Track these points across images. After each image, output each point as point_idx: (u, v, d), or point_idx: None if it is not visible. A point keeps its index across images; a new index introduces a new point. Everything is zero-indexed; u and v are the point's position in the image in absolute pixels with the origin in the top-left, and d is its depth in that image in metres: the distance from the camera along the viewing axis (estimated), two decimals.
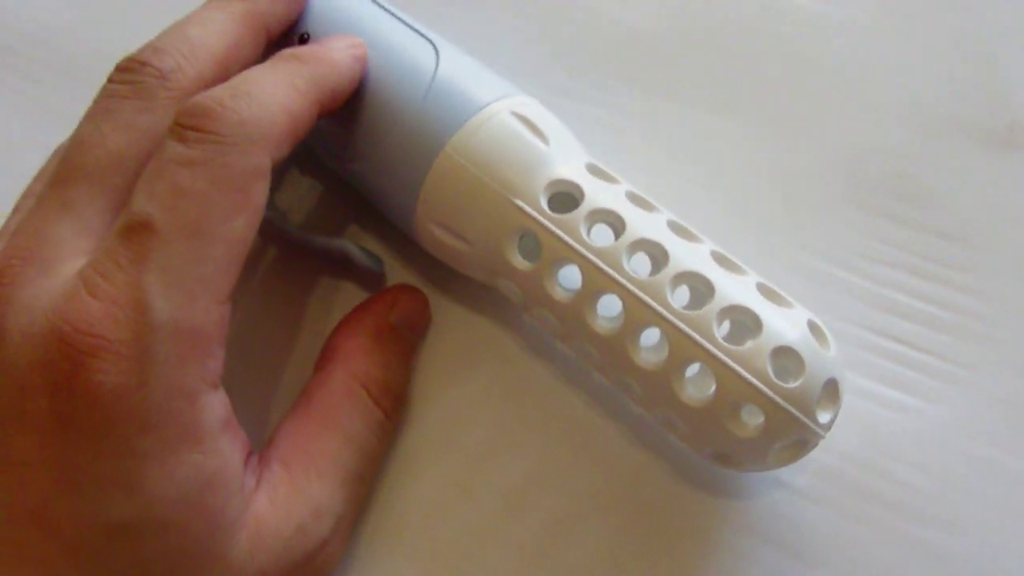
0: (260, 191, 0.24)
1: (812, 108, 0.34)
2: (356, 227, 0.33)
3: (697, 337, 0.24)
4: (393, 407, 0.28)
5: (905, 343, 0.30)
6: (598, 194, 0.26)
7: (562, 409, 0.29)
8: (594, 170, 0.28)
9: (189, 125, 0.22)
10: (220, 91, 0.23)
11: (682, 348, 0.24)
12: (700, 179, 0.33)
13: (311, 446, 0.26)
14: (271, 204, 0.32)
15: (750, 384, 0.23)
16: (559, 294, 0.26)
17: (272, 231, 0.32)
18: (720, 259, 0.26)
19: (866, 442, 0.29)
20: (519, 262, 0.27)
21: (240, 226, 0.23)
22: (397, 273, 0.32)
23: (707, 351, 0.24)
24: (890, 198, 0.32)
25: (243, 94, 0.23)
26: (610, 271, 0.25)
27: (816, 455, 0.28)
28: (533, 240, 0.26)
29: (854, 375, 0.29)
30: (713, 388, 0.24)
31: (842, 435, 0.28)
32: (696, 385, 0.25)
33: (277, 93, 0.24)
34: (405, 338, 0.29)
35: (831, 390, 0.24)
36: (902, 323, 0.30)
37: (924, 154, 0.33)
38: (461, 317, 0.31)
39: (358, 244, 0.30)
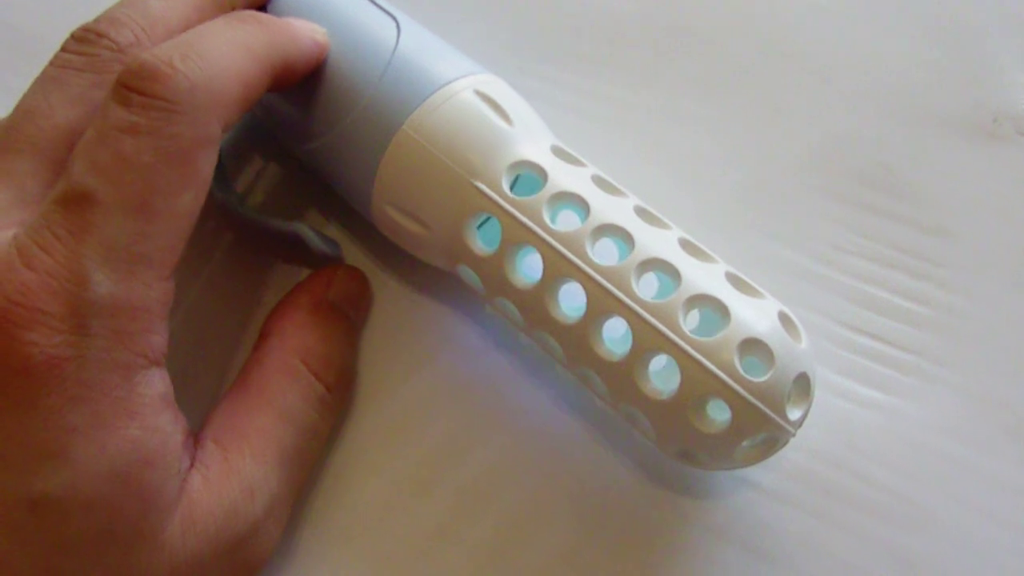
0: (208, 162, 0.22)
1: (788, 95, 0.33)
2: (315, 212, 0.32)
3: (661, 327, 0.23)
4: (335, 381, 0.27)
5: (880, 339, 0.29)
6: (562, 177, 0.25)
7: (524, 404, 0.28)
8: (560, 152, 0.26)
9: (135, 87, 0.21)
10: (169, 49, 0.22)
11: (646, 339, 0.23)
12: (670, 166, 0.32)
13: (245, 424, 0.24)
14: (227, 186, 0.30)
15: (716, 377, 0.22)
16: (519, 281, 0.25)
17: (227, 213, 0.30)
18: (688, 247, 0.25)
19: (838, 440, 0.27)
20: (478, 247, 0.25)
21: (186, 201, 0.22)
22: (356, 260, 0.30)
23: (672, 342, 0.23)
24: (868, 189, 0.31)
25: (195, 55, 0.22)
26: (572, 257, 0.24)
27: (786, 454, 0.27)
28: (494, 225, 0.25)
29: (826, 371, 0.28)
30: (678, 382, 0.23)
31: (813, 433, 0.27)
32: (661, 379, 0.24)
33: (232, 56, 0.23)
34: (345, 315, 0.28)
35: (802, 385, 0.23)
36: (877, 318, 0.29)
37: (904, 144, 0.32)
38: (421, 306, 0.30)
39: (314, 228, 0.29)
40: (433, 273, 0.29)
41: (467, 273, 0.27)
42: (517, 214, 0.25)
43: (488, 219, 0.29)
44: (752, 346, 0.23)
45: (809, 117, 0.32)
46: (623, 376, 0.24)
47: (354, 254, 0.31)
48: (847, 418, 0.28)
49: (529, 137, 0.26)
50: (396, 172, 0.26)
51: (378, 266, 0.30)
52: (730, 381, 0.22)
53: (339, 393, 0.27)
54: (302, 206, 0.32)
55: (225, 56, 0.22)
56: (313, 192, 0.32)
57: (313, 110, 0.27)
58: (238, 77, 0.23)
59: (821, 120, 0.32)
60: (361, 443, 0.28)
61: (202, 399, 0.27)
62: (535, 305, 0.25)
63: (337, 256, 0.30)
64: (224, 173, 0.31)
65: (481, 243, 0.26)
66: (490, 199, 0.25)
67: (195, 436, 0.24)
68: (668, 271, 0.24)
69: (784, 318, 0.24)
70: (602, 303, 0.23)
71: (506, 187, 0.25)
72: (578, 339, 0.24)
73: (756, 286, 0.24)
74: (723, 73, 0.33)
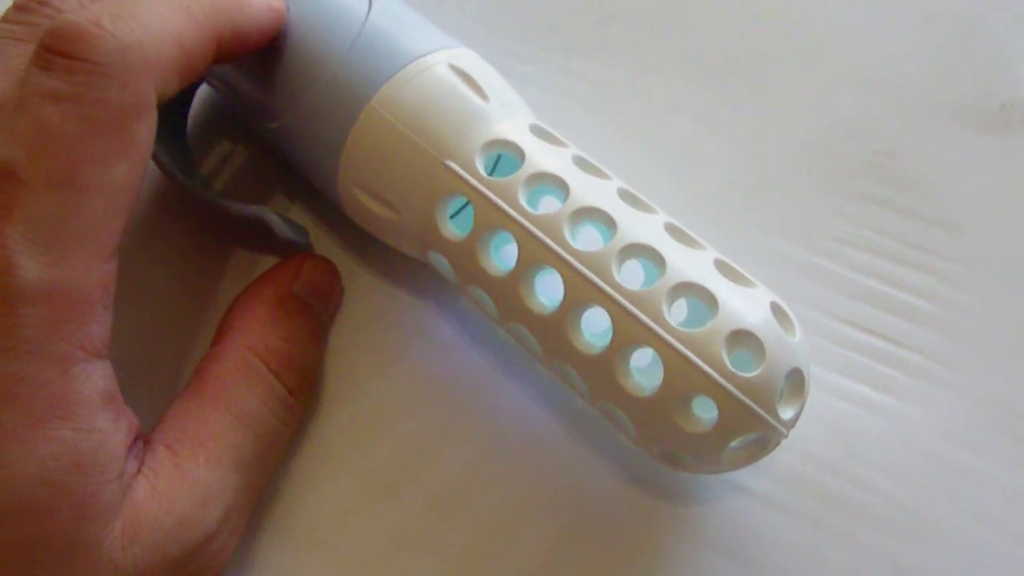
0: (143, 130, 0.21)
1: (787, 82, 0.31)
2: (283, 197, 0.30)
3: (644, 318, 0.21)
4: (299, 383, 0.25)
5: (880, 335, 0.27)
6: (541, 157, 0.23)
7: (500, 403, 0.26)
8: (539, 132, 0.25)
9: (58, 50, 0.19)
10: (99, 10, 0.20)
11: (627, 330, 0.21)
12: (663, 153, 0.30)
13: (199, 427, 0.23)
14: (191, 170, 0.29)
15: (702, 372, 0.20)
16: (492, 268, 0.23)
17: (189, 199, 0.29)
18: (675, 232, 0.23)
19: (833, 443, 0.26)
20: (449, 232, 0.24)
21: (121, 173, 0.20)
22: (325, 249, 0.29)
23: (654, 334, 0.21)
24: (869, 179, 0.29)
25: (127, 15, 0.20)
26: (549, 242, 0.22)
27: (778, 456, 0.25)
28: (469, 213, 0.23)
29: (822, 369, 0.26)
30: (661, 377, 0.21)
31: (807, 435, 0.25)
32: (644, 375, 0.22)
33: (169, 17, 0.21)
34: (312, 310, 0.26)
35: (795, 382, 0.21)
36: (877, 313, 0.27)
37: (907, 133, 0.30)
38: (393, 298, 0.28)
39: (280, 214, 0.27)
40: (406, 263, 0.28)
41: (439, 260, 0.25)
42: (490, 195, 0.23)
43: (463, 208, 0.27)
44: (742, 339, 0.21)
45: (808, 104, 0.31)
46: (602, 371, 0.22)
47: (323, 242, 0.29)
48: (844, 419, 0.26)
49: (506, 115, 0.24)
50: (363, 151, 0.24)
51: (348, 255, 0.29)
52: (717, 376, 0.20)
53: (302, 396, 0.25)
54: (269, 192, 0.30)
55: (161, 17, 0.21)
56: (281, 177, 0.30)
57: (275, 85, 0.25)
58: (175, 40, 0.21)
59: (821, 107, 0.30)
60: (326, 444, 0.26)
61: (158, 398, 0.25)
62: (509, 294, 0.23)
63: (305, 244, 0.28)
64: (188, 156, 0.30)
65: (453, 228, 0.24)
66: (462, 180, 0.23)
67: (145, 439, 0.22)
68: (652, 258, 0.22)
69: (777, 309, 0.22)
70: (580, 292, 0.22)
71: (480, 167, 0.23)
72: (555, 331, 0.22)
73: (747, 275, 0.23)
74: (720, 58, 0.32)
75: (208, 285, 0.28)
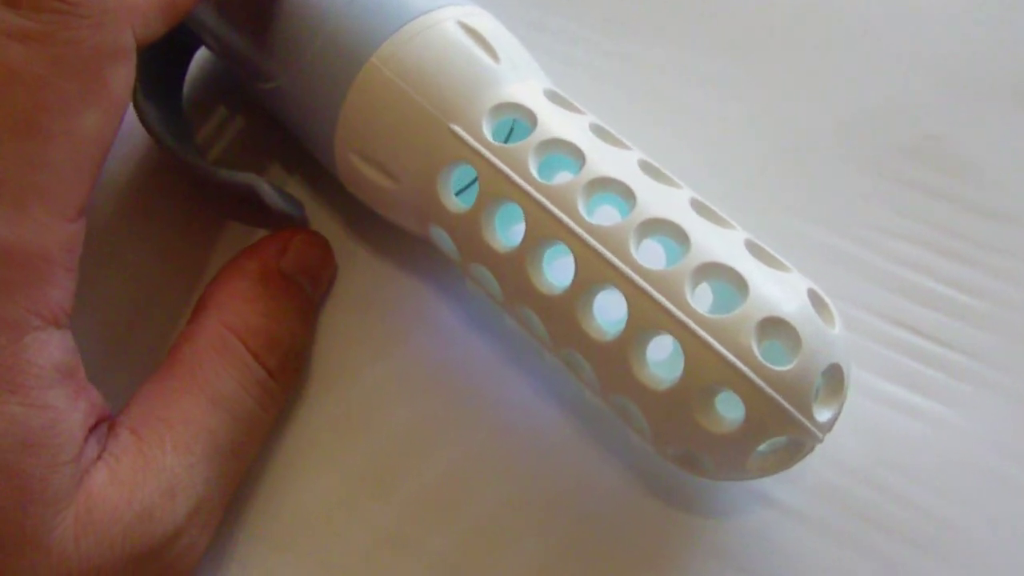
0: (120, 78, 0.19)
1: (825, 57, 0.29)
2: (280, 169, 0.28)
3: (663, 301, 0.19)
4: (280, 365, 0.23)
5: (923, 334, 0.25)
6: (554, 123, 0.21)
7: (503, 394, 0.24)
8: (554, 97, 0.22)
9: None
10: None
11: (644, 314, 0.19)
12: (689, 133, 0.28)
13: (169, 411, 0.21)
14: (185, 136, 0.27)
15: (728, 364, 0.18)
16: (498, 243, 0.21)
17: (180, 166, 0.27)
18: (702, 209, 0.21)
19: (872, 453, 0.23)
20: (452, 203, 0.22)
21: (90, 123, 0.19)
22: (322, 224, 0.27)
23: (675, 319, 0.19)
24: (914, 164, 0.27)
25: None
26: (560, 215, 0.20)
27: (809, 464, 0.23)
28: (475, 188, 0.21)
29: (859, 370, 0.24)
30: (681, 368, 0.19)
31: (843, 442, 0.23)
32: (662, 365, 0.20)
33: None
34: (299, 288, 0.24)
35: (834, 379, 0.19)
36: (921, 310, 0.25)
37: (956, 114, 0.27)
38: (392, 280, 0.26)
39: (272, 183, 0.25)
40: (408, 242, 0.26)
41: (440, 236, 0.23)
42: (497, 163, 0.21)
43: (471, 185, 0.25)
44: (774, 327, 0.18)
45: (848, 81, 0.28)
46: (616, 360, 0.19)
47: (320, 218, 0.27)
48: (884, 426, 0.23)
49: (518, 77, 0.22)
50: (362, 113, 0.22)
51: (346, 232, 0.26)
52: (745, 369, 0.18)
53: (284, 379, 0.23)
54: (266, 162, 0.28)
55: None
56: (280, 147, 0.28)
57: (270, 42, 0.23)
58: None
59: (862, 85, 0.28)
60: (311, 434, 0.24)
61: (136, 380, 0.23)
62: (515, 273, 0.21)
63: (299, 218, 0.26)
64: (183, 123, 0.28)
65: (456, 199, 0.22)
66: (467, 145, 0.21)
67: (111, 423, 0.20)
68: (675, 235, 0.20)
69: (815, 297, 0.19)
70: (593, 270, 0.19)
71: (488, 132, 0.21)
72: (564, 315, 0.20)
73: (781, 258, 0.20)
74: (752, 32, 0.29)
75: (195, 259, 0.26)
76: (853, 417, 0.23)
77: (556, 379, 0.24)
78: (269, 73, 0.24)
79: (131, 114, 0.25)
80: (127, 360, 0.25)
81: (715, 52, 0.29)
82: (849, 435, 0.23)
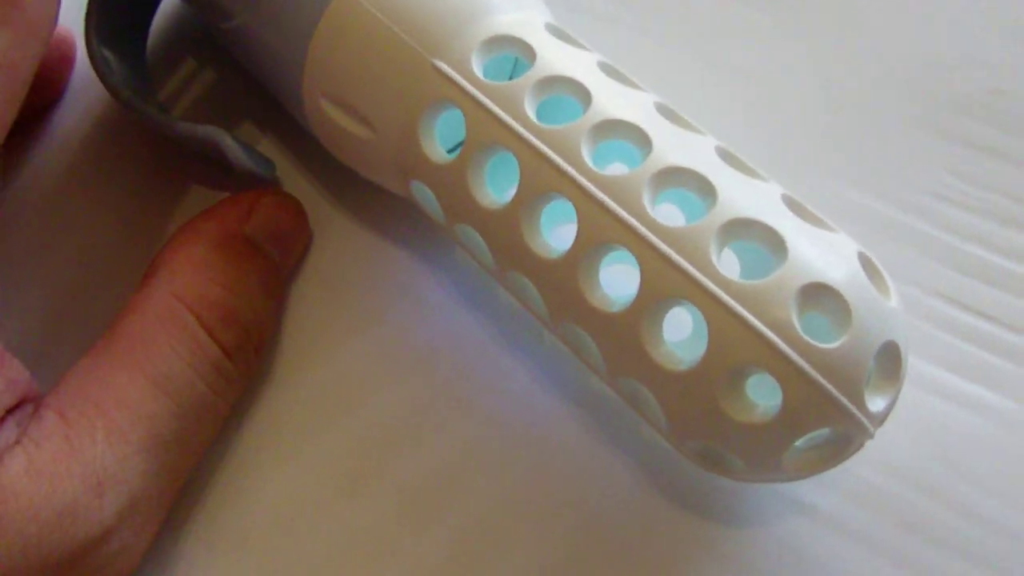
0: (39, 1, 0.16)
1: (875, 6, 0.25)
2: (253, 126, 0.25)
3: (683, 263, 0.15)
4: (239, 343, 0.20)
5: (990, 318, 0.21)
6: (556, 58, 0.18)
7: (496, 380, 0.21)
8: (557, 32, 0.19)
9: None
10: None
11: (659, 279, 0.16)
12: (715, 83, 0.24)
13: (103, 391, 0.18)
14: (145, 90, 0.24)
15: (762, 338, 0.15)
16: (487, 199, 0.18)
17: (133, 121, 0.24)
18: (730, 159, 0.17)
19: (926, 453, 0.20)
20: (435, 151, 0.18)
21: (3, 45, 0.15)
22: (297, 186, 0.24)
23: (698, 285, 0.15)
24: (979, 122, 0.23)
25: None
26: (560, 162, 0.17)
27: (855, 466, 0.19)
28: (461, 124, 0.18)
29: (916, 358, 0.20)
30: (704, 345, 0.15)
31: (895, 440, 0.19)
32: (682, 345, 0.17)
33: None
34: (266, 256, 0.21)
35: (890, 361, 0.16)
36: (987, 290, 0.21)
37: None
38: (372, 247, 0.23)
39: (238, 138, 0.22)
40: (392, 206, 0.23)
41: (423, 193, 0.19)
42: (486, 102, 0.17)
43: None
44: (819, 296, 0.15)
45: (904, 31, 0.25)
46: (625, 336, 0.16)
47: (295, 179, 0.24)
48: (943, 423, 0.20)
49: (515, 7, 0.19)
50: (333, 49, 0.19)
51: (322, 194, 0.23)
52: (783, 345, 0.15)
53: (244, 359, 0.20)
54: (238, 118, 0.25)
55: None
56: (253, 102, 0.25)
57: None
58: None
59: (919, 35, 0.25)
60: (276, 424, 0.21)
61: (63, 358, 0.20)
62: (507, 232, 0.17)
63: (269, 178, 0.23)
64: (145, 72, 0.25)
65: (440, 148, 0.19)
66: (453, 83, 0.18)
67: (37, 404, 0.17)
68: (698, 186, 0.16)
69: (866, 262, 0.16)
70: (599, 228, 0.16)
71: (478, 69, 0.18)
72: (564, 281, 0.17)
73: (824, 217, 0.17)
74: None
75: (154, 227, 0.24)
76: (905, 410, 0.19)
77: (558, 363, 0.21)
78: (230, 7, 0.21)
79: (88, 67, 0.22)
80: (71, 337, 0.22)
81: None
82: (899, 431, 0.19)
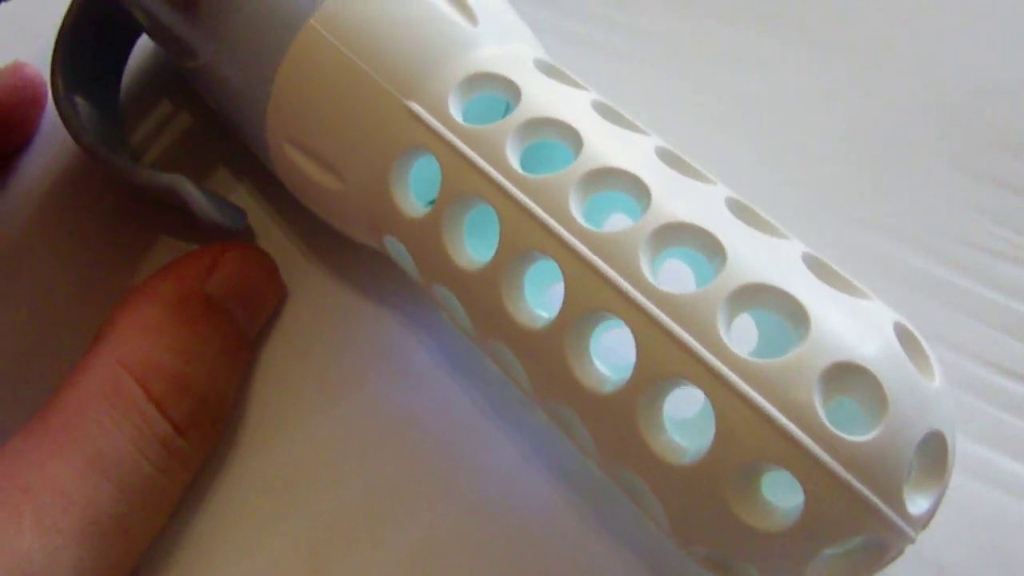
0: None
1: (902, 28, 0.23)
2: (228, 173, 0.23)
3: (685, 337, 0.13)
4: (192, 416, 0.17)
5: None
6: (544, 98, 0.16)
7: (482, 458, 0.19)
8: (546, 68, 0.17)
9: None
10: None
11: (658, 354, 0.13)
12: (734, 128, 0.22)
13: (35, 474, 0.16)
14: (116, 137, 0.22)
15: (779, 428, 0.12)
16: (463, 256, 0.16)
17: (107, 171, 0.22)
18: (742, 212, 0.15)
19: (982, 553, 0.17)
20: (408, 204, 0.16)
21: None
22: (273, 241, 0.21)
23: (702, 363, 0.13)
24: (1020, 160, 0.21)
25: None
26: (546, 219, 0.14)
27: (892, 568, 0.16)
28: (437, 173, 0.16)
29: (966, 439, 0.18)
30: (712, 434, 0.13)
31: (938, 533, 0.17)
32: (684, 428, 0.14)
33: None
34: (228, 318, 0.19)
35: (934, 453, 0.13)
36: None
37: None
38: (351, 309, 0.20)
39: (203, 188, 0.20)
40: (374, 261, 0.20)
41: (396, 249, 0.17)
42: (464, 149, 0.15)
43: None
44: (848, 377, 0.13)
45: (938, 56, 0.22)
46: (618, 421, 0.14)
47: (269, 232, 0.22)
48: (994, 513, 0.17)
49: (501, 40, 0.17)
50: (298, 89, 0.17)
51: (299, 249, 0.21)
52: (804, 437, 0.12)
53: (197, 436, 0.18)
54: (213, 165, 0.23)
55: None
56: (228, 148, 0.23)
57: (202, 10, 0.18)
58: None
59: (957, 61, 0.22)
60: (235, 509, 0.19)
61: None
62: (485, 296, 0.15)
63: (237, 229, 0.21)
64: (118, 118, 0.23)
65: (414, 200, 0.16)
66: (427, 127, 0.16)
67: None
68: (705, 245, 0.14)
69: (904, 335, 0.14)
70: (588, 294, 0.14)
71: (455, 112, 0.16)
72: (548, 353, 0.14)
73: (854, 280, 0.14)
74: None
75: (114, 285, 0.21)
76: (956, 503, 0.16)
77: (552, 439, 0.18)
78: (196, 46, 0.19)
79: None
80: (14, 407, 0.20)
81: (769, 26, 0.23)
82: (944, 524, 0.17)
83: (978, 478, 0.18)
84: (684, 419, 0.15)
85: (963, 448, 0.18)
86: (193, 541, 0.18)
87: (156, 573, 0.18)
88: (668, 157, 0.16)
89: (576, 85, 0.17)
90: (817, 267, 0.14)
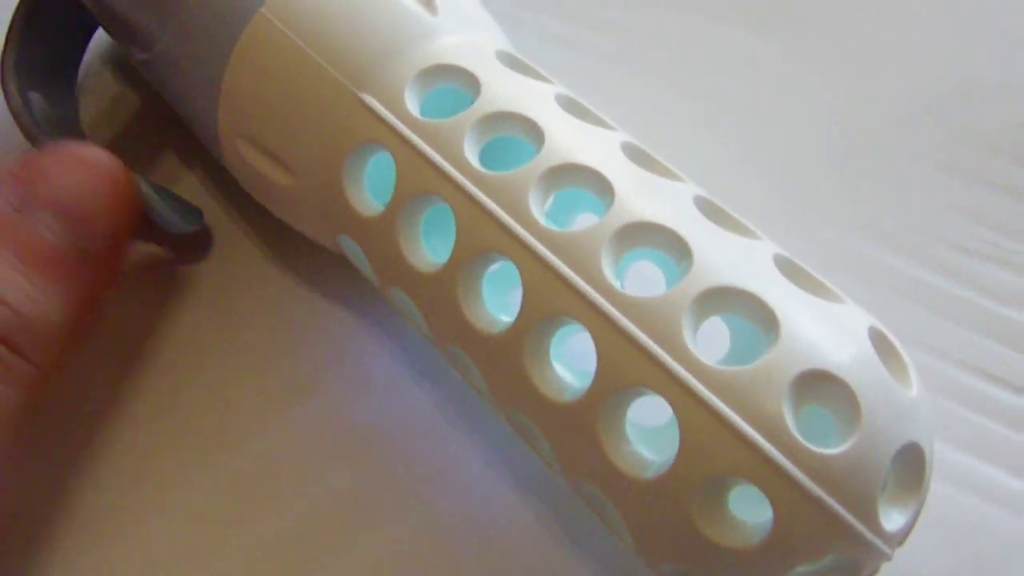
0: None
1: (886, 28, 0.22)
2: (177, 162, 0.22)
3: (649, 343, 0.12)
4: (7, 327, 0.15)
5: None
6: (505, 91, 0.15)
7: (444, 468, 0.18)
8: (509, 61, 0.16)
9: None
10: None
11: (620, 363, 0.12)
12: (711, 126, 0.21)
13: None
14: (67, 121, 0.21)
15: (745, 440, 0.12)
16: (420, 258, 0.15)
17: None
18: (712, 211, 0.14)
19: (958, 562, 0.16)
20: (361, 202, 0.15)
21: None
22: (233, 238, 0.20)
23: (666, 371, 0.12)
24: (1013, 162, 0.20)
25: None
26: (505, 218, 0.14)
27: None
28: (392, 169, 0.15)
29: (943, 444, 0.17)
30: (676, 447, 0.12)
31: (917, 546, 0.16)
32: (648, 439, 0.13)
33: None
34: (32, 228, 0.16)
35: (911, 465, 0.13)
36: None
37: None
38: (310, 309, 0.20)
39: (155, 185, 0.19)
40: (335, 260, 0.19)
41: (351, 248, 0.16)
42: (419, 144, 0.14)
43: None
44: (819, 386, 0.12)
45: (924, 56, 0.22)
46: (579, 432, 0.13)
47: (230, 231, 0.21)
48: (976, 524, 0.17)
49: (461, 28, 0.16)
50: (249, 82, 0.16)
51: (257, 246, 0.20)
52: (772, 450, 0.12)
53: (26, 346, 0.16)
54: (172, 161, 0.22)
55: None
56: (192, 145, 0.22)
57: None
58: None
59: (943, 61, 0.22)
60: (182, 523, 0.18)
61: None
62: (442, 300, 0.14)
63: (190, 227, 0.20)
64: (74, 113, 0.22)
65: (370, 199, 0.16)
66: (381, 121, 0.15)
67: None
68: (670, 245, 0.13)
69: (879, 340, 0.13)
70: (548, 297, 0.13)
71: (411, 105, 0.15)
72: (507, 359, 0.14)
73: (827, 283, 0.14)
74: None
75: None
76: (936, 512, 0.16)
77: (519, 449, 0.18)
78: (147, 39, 0.18)
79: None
80: None
81: (754, 24, 0.23)
82: (923, 536, 0.16)
83: (958, 486, 0.17)
84: (653, 427, 0.14)
85: (943, 455, 0.17)
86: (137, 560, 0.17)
87: None
88: (635, 154, 0.15)
89: (540, 78, 0.16)
90: (789, 269, 0.13)
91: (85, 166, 0.17)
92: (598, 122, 0.15)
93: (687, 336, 0.12)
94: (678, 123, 0.21)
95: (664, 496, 0.12)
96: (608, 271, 0.13)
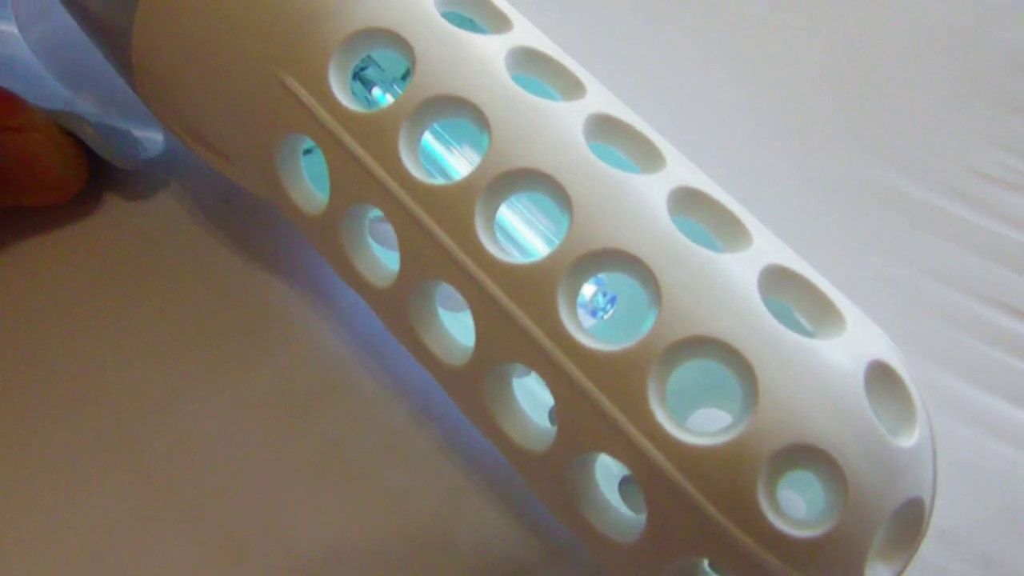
0: None
1: None
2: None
3: (609, 406, 0.11)
4: None
5: None
6: (445, 63, 0.13)
7: (415, 479, 0.16)
8: (456, 19, 0.14)
9: None
10: None
11: (580, 425, 0.11)
12: (732, 53, 0.18)
13: None
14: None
15: (718, 527, 0.10)
16: (368, 268, 0.13)
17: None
18: (694, 207, 0.12)
19: (989, 513, 0.15)
20: (302, 196, 0.14)
21: None
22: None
23: (629, 441, 0.11)
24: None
25: None
26: (445, 239, 0.12)
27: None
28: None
29: (968, 385, 0.16)
30: (643, 522, 0.11)
31: (947, 497, 0.14)
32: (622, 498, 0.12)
33: None
34: None
35: (906, 522, 0.11)
36: None
37: None
38: (262, 272, 0.17)
39: (102, 119, 0.17)
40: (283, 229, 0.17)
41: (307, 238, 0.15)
42: (349, 141, 0.12)
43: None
44: (802, 459, 0.11)
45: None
46: (551, 482, 0.12)
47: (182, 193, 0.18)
48: (1007, 472, 0.15)
49: None
50: (158, 57, 0.14)
51: (214, 202, 0.18)
52: (747, 539, 0.10)
53: None
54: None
55: None
56: None
57: None
58: None
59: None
60: (119, 507, 0.16)
61: None
62: (394, 317, 0.13)
63: (134, 160, 0.18)
64: None
65: (314, 191, 0.14)
66: (304, 108, 0.13)
67: None
68: (636, 276, 0.11)
69: (880, 376, 0.11)
70: (500, 344, 0.12)
71: (337, 85, 0.13)
72: (466, 390, 0.12)
73: (831, 295, 0.12)
74: None
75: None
76: (957, 457, 0.15)
77: (473, 430, 0.16)
78: None
79: None
80: None
81: None
82: (953, 486, 0.14)
83: (984, 431, 0.15)
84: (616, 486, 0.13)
85: (968, 398, 0.16)
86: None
87: None
88: (607, 129, 0.12)
89: (500, 27, 0.13)
90: (783, 285, 0.12)
91: None
92: (567, 81, 0.13)
93: (653, 400, 0.11)
94: (684, 50, 0.18)
95: (639, 564, 0.11)
96: (562, 312, 0.11)
